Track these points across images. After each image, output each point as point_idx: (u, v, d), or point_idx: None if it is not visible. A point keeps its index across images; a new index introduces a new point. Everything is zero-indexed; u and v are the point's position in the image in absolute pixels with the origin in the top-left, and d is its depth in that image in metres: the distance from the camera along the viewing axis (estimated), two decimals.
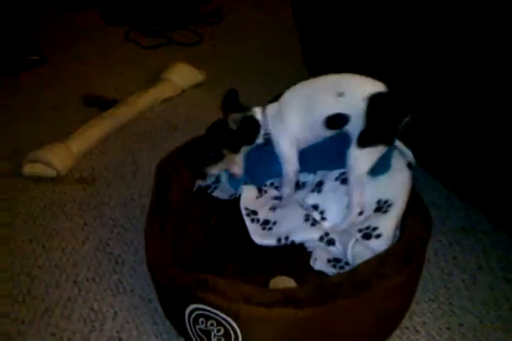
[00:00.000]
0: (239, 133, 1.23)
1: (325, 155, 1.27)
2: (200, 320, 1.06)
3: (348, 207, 1.22)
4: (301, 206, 1.28)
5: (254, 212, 1.29)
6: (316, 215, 1.27)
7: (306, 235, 1.23)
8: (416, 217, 1.18)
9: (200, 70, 2.22)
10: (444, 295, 1.29)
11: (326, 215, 1.27)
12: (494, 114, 1.16)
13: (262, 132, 1.25)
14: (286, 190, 1.29)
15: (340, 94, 1.16)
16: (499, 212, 1.31)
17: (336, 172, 1.28)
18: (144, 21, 2.72)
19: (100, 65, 2.42)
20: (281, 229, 1.25)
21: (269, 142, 1.26)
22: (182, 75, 2.17)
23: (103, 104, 2.05)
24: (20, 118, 2.05)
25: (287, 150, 1.24)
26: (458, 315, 1.24)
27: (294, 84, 1.23)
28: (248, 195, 1.32)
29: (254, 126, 1.24)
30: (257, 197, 1.33)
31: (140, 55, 2.49)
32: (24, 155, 1.73)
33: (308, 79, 1.23)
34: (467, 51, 1.17)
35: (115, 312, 1.28)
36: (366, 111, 1.13)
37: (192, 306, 1.06)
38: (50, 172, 1.72)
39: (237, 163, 1.28)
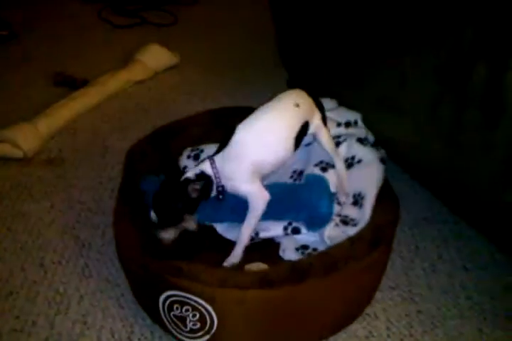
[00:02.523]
0: (198, 197, 1.18)
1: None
2: (175, 306, 1.07)
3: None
4: None
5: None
6: None
7: (271, 230, 1.25)
8: (385, 202, 1.24)
9: (174, 53, 2.19)
10: (404, 283, 1.32)
11: None
12: None
13: (215, 186, 1.19)
14: (248, 231, 1.20)
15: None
16: (459, 203, 1.35)
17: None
18: (117, 0, 2.66)
19: (72, 42, 2.37)
20: None
21: (221, 193, 1.21)
22: (155, 57, 2.14)
23: (73, 84, 2.02)
24: None
25: (251, 186, 1.20)
26: (417, 302, 1.28)
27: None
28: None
29: (208, 184, 1.18)
30: None
31: (113, 34, 2.45)
32: None
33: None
34: None
35: (81, 296, 1.28)
36: None
37: (166, 293, 1.07)
38: (17, 153, 1.69)
39: (193, 221, 1.23)
